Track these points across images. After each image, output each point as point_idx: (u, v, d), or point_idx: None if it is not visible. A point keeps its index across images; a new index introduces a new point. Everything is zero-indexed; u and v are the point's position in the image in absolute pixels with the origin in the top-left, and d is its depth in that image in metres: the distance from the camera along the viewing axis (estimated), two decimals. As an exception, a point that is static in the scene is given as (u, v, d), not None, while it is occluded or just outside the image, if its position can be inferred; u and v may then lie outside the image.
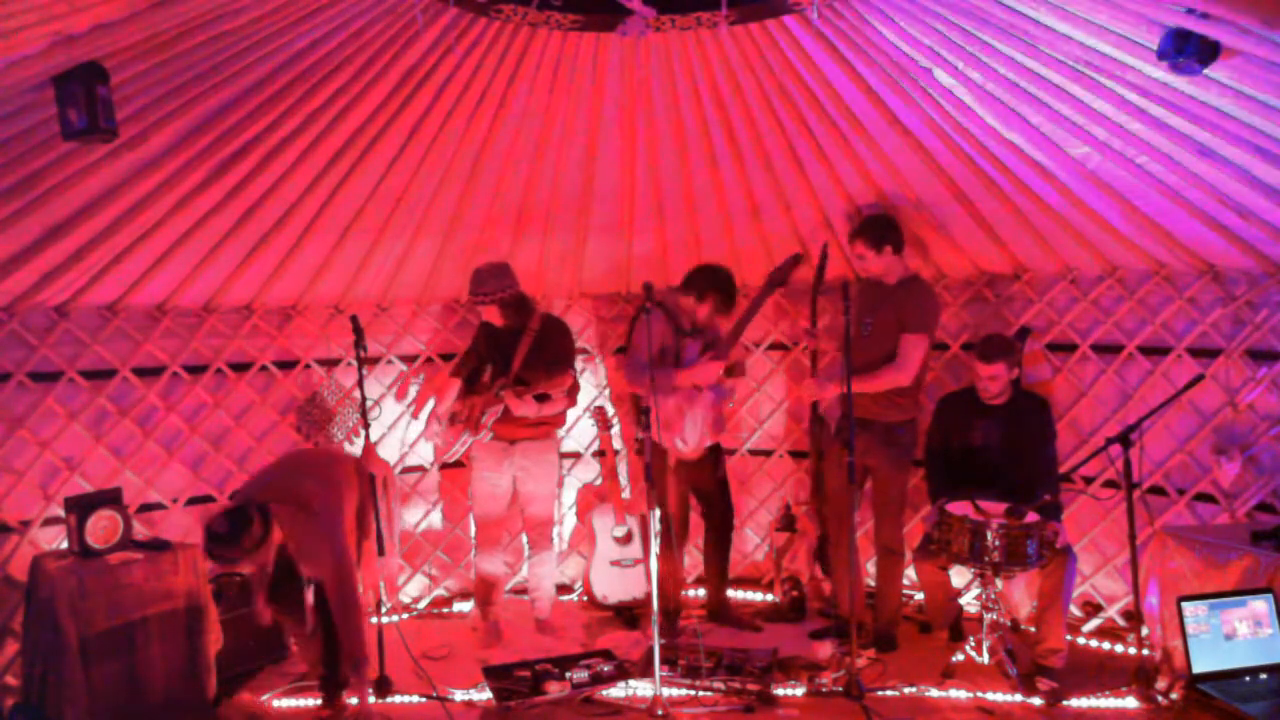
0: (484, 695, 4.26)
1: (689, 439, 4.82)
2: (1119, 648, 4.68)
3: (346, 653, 3.92)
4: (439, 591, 5.64)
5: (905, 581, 5.54)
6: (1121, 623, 4.85)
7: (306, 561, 3.94)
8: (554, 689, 4.14)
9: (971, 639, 4.35)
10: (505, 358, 4.88)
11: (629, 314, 5.55)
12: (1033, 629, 4.44)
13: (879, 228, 4.67)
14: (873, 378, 4.51)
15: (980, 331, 5.12)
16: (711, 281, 4.88)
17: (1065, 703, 4.06)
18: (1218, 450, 4.57)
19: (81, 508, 4.12)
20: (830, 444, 4.85)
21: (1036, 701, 4.08)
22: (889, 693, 4.21)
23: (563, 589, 5.75)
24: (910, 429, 4.73)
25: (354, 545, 4.04)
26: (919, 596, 5.22)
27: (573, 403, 5.11)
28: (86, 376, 4.66)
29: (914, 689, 4.23)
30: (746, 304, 4.94)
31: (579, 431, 5.85)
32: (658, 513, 4.62)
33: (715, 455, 5.08)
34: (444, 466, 5.57)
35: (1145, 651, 4.07)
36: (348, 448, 5.37)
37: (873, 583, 5.09)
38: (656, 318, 4.65)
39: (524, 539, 5.34)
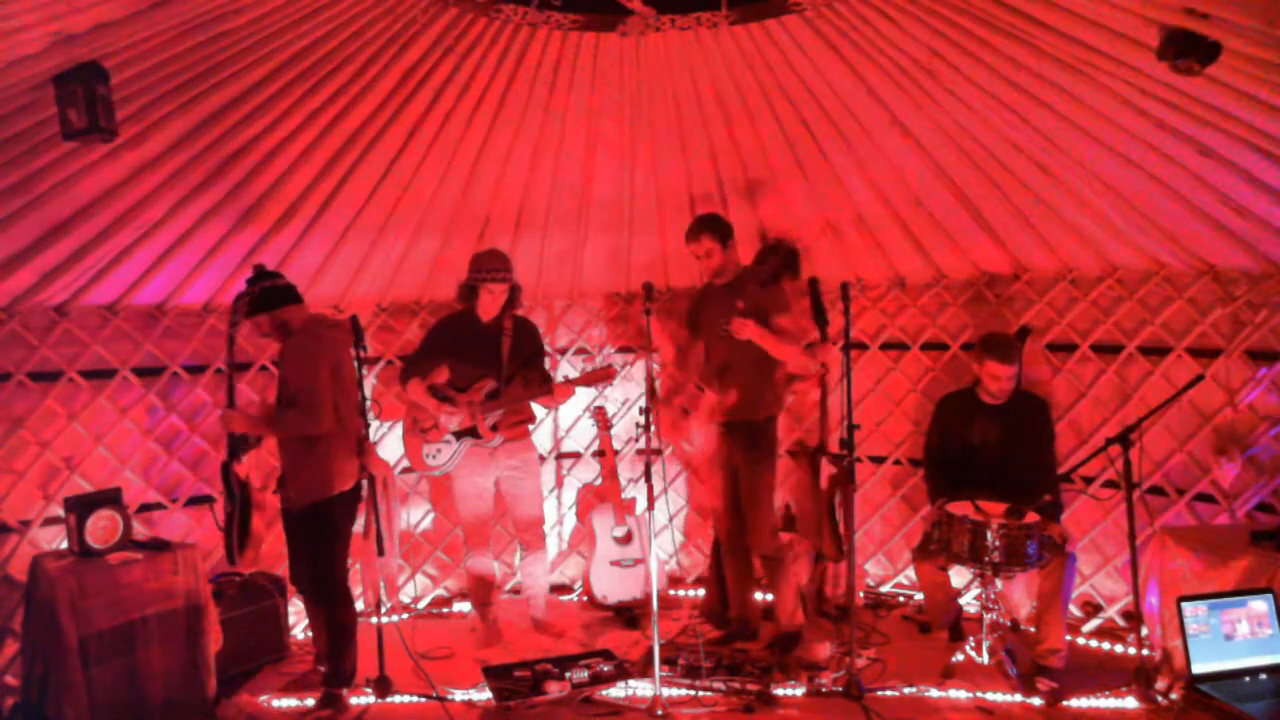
0: (484, 695, 4.26)
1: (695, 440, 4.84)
2: (1119, 648, 4.68)
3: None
4: (439, 591, 5.65)
5: (871, 581, 5.58)
6: (1121, 623, 4.86)
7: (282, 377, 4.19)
8: (554, 689, 4.14)
9: (971, 639, 4.35)
10: (491, 360, 4.84)
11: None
12: (1033, 629, 4.44)
13: (720, 223, 4.62)
14: (779, 343, 4.38)
15: (980, 331, 5.12)
16: (715, 220, 4.67)
17: (1065, 703, 4.06)
18: (1218, 450, 4.57)
19: (81, 508, 4.12)
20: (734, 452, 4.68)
21: (1036, 701, 4.08)
22: (889, 693, 4.20)
23: (563, 589, 5.75)
24: (772, 427, 4.63)
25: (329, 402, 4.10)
26: (919, 596, 5.22)
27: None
28: (86, 376, 4.66)
29: (914, 689, 4.23)
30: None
31: (579, 431, 5.85)
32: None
33: None
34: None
35: (1145, 651, 4.07)
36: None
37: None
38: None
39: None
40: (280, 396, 4.17)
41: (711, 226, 4.61)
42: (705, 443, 4.72)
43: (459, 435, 4.84)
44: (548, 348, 5.56)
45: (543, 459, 5.60)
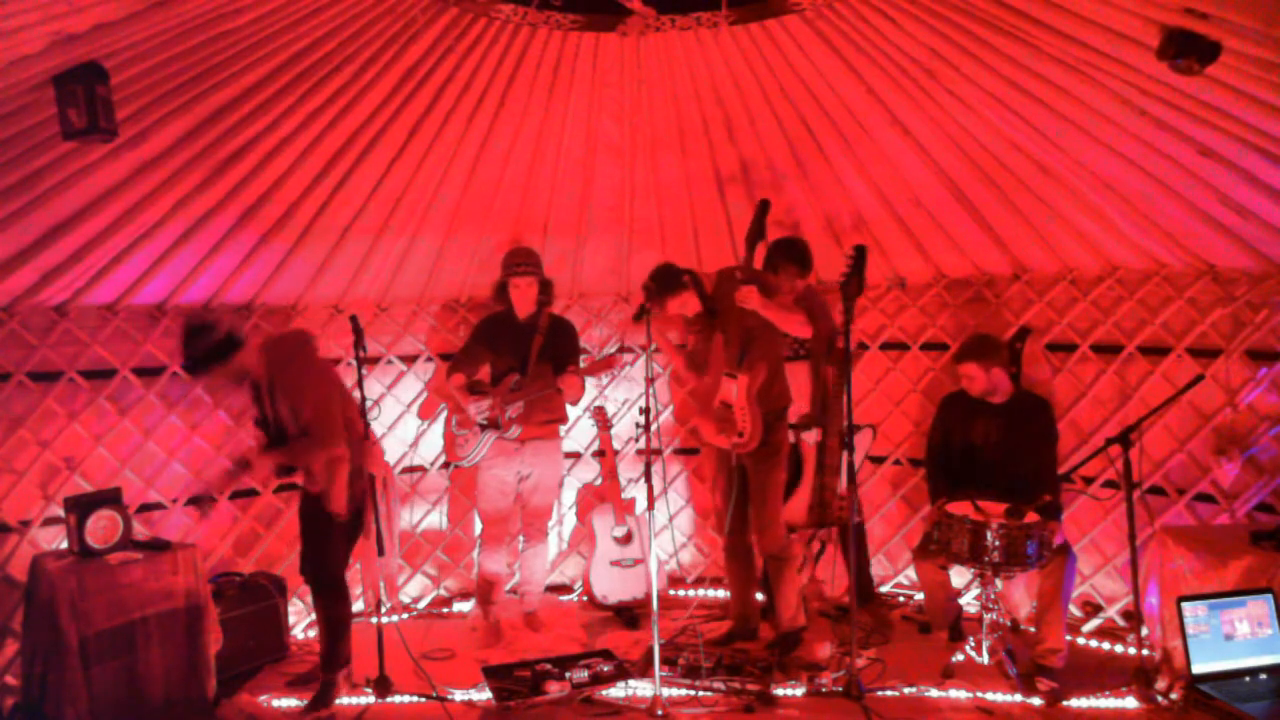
0: (484, 695, 4.26)
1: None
2: (1119, 648, 4.67)
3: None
4: (439, 591, 5.65)
5: (876, 583, 5.52)
6: (1121, 623, 4.85)
7: (290, 409, 4.03)
8: (554, 689, 4.14)
9: (971, 639, 4.35)
10: (520, 354, 4.89)
11: None
12: (1033, 629, 4.44)
13: (666, 280, 4.47)
14: (783, 313, 4.31)
15: (980, 331, 5.12)
16: (663, 279, 4.57)
17: (1065, 703, 4.06)
18: (1218, 450, 4.57)
19: (81, 508, 4.12)
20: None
21: (1036, 701, 4.08)
22: (889, 693, 4.20)
23: (563, 589, 5.75)
24: (782, 422, 4.57)
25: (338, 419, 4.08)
26: (919, 596, 5.22)
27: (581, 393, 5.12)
28: (86, 376, 4.66)
29: (914, 689, 4.23)
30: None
31: (579, 431, 5.85)
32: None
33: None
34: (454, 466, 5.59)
35: (1145, 651, 4.07)
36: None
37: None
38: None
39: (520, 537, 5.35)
40: (290, 427, 4.04)
41: (663, 288, 4.44)
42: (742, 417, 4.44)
43: (485, 428, 4.90)
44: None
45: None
